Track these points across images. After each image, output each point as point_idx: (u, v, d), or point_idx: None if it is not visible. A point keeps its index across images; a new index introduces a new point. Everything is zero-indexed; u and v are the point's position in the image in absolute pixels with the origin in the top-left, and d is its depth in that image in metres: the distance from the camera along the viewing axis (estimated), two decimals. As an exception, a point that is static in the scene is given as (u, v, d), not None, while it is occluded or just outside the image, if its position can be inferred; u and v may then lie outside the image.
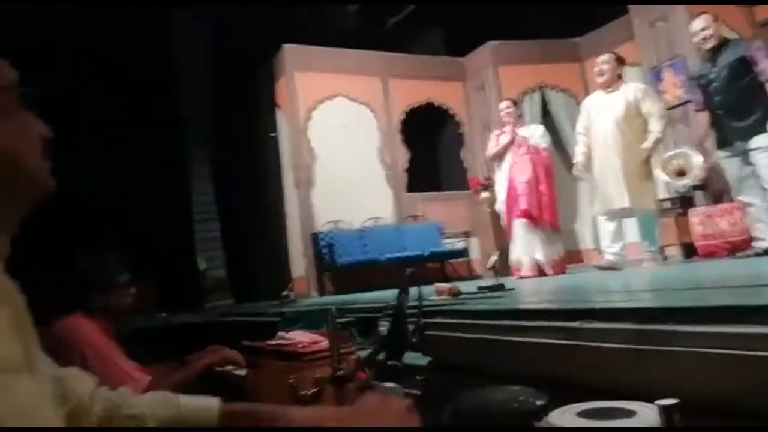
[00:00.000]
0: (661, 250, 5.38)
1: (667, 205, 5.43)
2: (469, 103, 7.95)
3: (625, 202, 4.16)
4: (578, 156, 4.51)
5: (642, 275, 3.58)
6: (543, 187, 4.80)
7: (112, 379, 1.73)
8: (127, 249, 2.19)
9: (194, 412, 0.92)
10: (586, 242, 7.25)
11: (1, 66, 0.62)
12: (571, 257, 7.30)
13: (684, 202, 5.34)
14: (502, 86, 7.46)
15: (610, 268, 4.15)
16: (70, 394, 0.74)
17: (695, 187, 5.27)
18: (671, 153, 5.21)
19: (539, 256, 4.74)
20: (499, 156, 5.02)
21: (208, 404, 0.94)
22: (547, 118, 7.25)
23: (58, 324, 1.81)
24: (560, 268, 4.76)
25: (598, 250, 4.73)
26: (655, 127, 4.15)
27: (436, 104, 7.82)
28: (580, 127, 4.54)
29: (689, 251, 5.07)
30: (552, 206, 4.82)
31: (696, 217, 4.93)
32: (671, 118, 5.24)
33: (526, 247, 4.77)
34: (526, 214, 4.78)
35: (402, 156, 7.50)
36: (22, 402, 0.47)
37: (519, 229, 4.83)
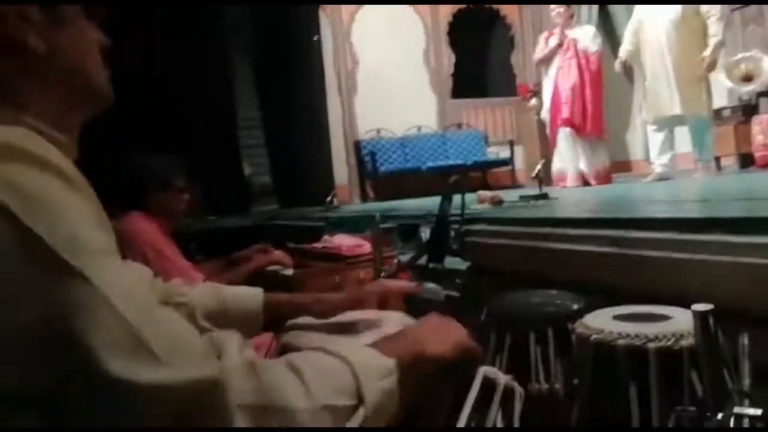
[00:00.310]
0: (717, 159, 5.18)
1: (727, 112, 5.15)
2: (522, 4, 7.49)
3: (676, 109, 3.96)
4: (622, 52, 4.29)
5: (691, 185, 3.48)
6: (589, 94, 4.57)
7: (168, 276, 1.85)
8: (179, 153, 2.25)
9: (239, 302, 0.99)
10: (636, 152, 7.00)
11: None
12: (620, 167, 7.12)
13: (746, 109, 5.03)
14: (559, -17, 6.96)
15: (660, 179, 4.04)
16: None
17: (761, 94, 4.94)
18: (738, 57, 4.85)
19: (583, 166, 4.62)
20: (547, 60, 4.77)
21: (252, 293, 1.01)
22: (606, 19, 6.78)
23: (120, 220, 1.92)
24: (605, 179, 4.64)
25: (649, 161, 4.56)
26: (716, 29, 3.84)
27: (486, 5, 7.41)
28: (630, 25, 4.30)
29: (746, 162, 4.86)
30: (598, 114, 4.62)
31: (759, 125, 4.66)
32: (743, 17, 4.84)
33: (570, 157, 4.65)
34: (568, 122, 4.61)
35: (448, 60, 7.25)
36: (132, 284, 0.51)
37: (562, 137, 4.68)
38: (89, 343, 0.45)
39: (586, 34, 4.63)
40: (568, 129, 4.62)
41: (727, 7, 3.90)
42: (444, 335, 0.74)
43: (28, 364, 0.45)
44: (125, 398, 0.46)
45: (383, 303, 1.17)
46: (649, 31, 4.07)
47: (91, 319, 0.46)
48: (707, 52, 3.83)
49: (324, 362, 0.59)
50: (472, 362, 0.77)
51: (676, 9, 3.90)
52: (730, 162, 5.15)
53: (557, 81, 4.69)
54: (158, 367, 0.47)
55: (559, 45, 4.66)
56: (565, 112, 4.60)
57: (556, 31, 4.73)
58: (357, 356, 0.61)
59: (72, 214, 0.49)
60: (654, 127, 4.17)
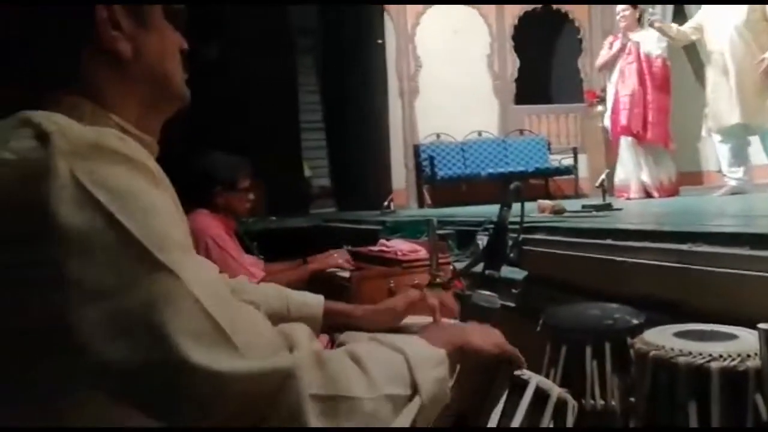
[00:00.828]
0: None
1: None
2: (592, 7, 7.29)
3: (735, 118, 3.72)
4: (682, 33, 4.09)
5: (766, 200, 3.29)
6: (651, 100, 4.32)
7: (231, 272, 1.92)
8: (243, 153, 2.32)
9: (301, 309, 1.02)
10: (709, 163, 6.68)
11: None
12: (692, 179, 6.80)
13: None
14: (631, -15, 6.73)
15: (733, 193, 3.83)
16: None
17: None
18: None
19: (645, 176, 4.39)
20: (610, 65, 4.56)
21: (314, 303, 1.04)
22: (682, 22, 6.50)
23: (187, 217, 2.01)
24: (670, 191, 4.38)
25: (722, 173, 4.31)
26: None
27: (554, 8, 7.25)
28: (688, 24, 4.12)
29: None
30: (661, 122, 4.35)
31: None
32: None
33: (632, 167, 4.44)
34: (626, 131, 4.38)
35: (512, 64, 7.16)
36: (212, 280, 0.55)
37: (624, 146, 4.48)
38: (173, 332, 0.49)
39: (650, 37, 4.37)
40: (629, 138, 4.42)
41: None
42: (484, 335, 0.77)
43: (112, 349, 0.48)
44: (205, 385, 0.49)
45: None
46: (712, 35, 3.88)
47: (176, 310, 0.49)
48: (767, 54, 3.57)
49: (381, 353, 0.62)
50: (514, 364, 0.78)
51: (741, 12, 3.69)
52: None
53: (617, 87, 4.50)
54: (237, 357, 0.51)
55: (622, 49, 4.46)
56: (623, 120, 4.39)
57: (620, 34, 4.57)
58: (410, 347, 0.63)
59: (159, 211, 0.52)
60: (719, 137, 3.95)
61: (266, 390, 0.52)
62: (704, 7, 4.13)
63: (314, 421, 0.52)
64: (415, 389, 0.60)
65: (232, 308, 0.54)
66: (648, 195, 4.38)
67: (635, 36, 4.44)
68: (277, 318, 0.99)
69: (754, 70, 3.65)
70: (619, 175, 4.57)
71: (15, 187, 0.49)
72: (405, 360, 0.61)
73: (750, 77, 3.68)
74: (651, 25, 4.12)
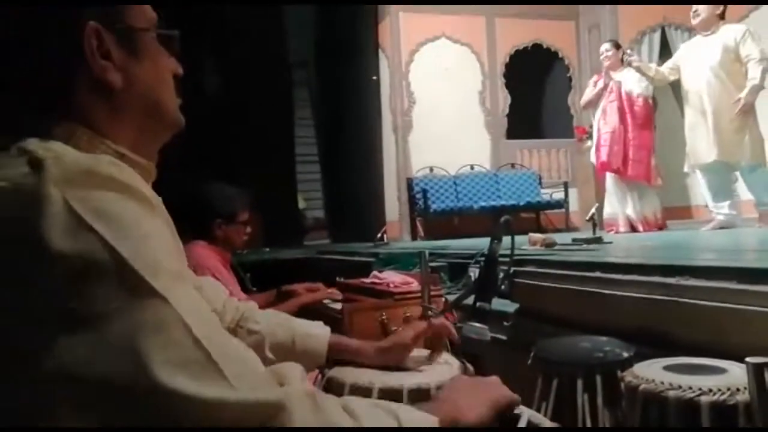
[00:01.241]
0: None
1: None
2: (581, 45, 7.47)
3: (713, 155, 3.81)
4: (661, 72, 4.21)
5: (752, 234, 3.33)
6: (632, 137, 4.41)
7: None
8: (239, 184, 2.33)
9: (306, 341, 1.00)
10: (697, 198, 6.76)
11: (143, 8, 0.69)
12: (680, 213, 6.87)
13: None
14: (619, 25, 6.91)
15: (721, 228, 3.87)
16: (208, 301, 0.78)
17: None
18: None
19: (630, 211, 4.46)
20: (593, 103, 4.69)
21: (320, 334, 1.02)
22: (667, 58, 6.66)
23: (185, 247, 2.00)
24: (655, 225, 4.43)
25: (708, 208, 4.37)
26: (754, 73, 3.69)
27: (544, 46, 7.43)
28: (666, 65, 4.25)
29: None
30: (642, 159, 4.43)
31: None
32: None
33: (617, 202, 4.51)
34: (606, 167, 4.49)
35: (503, 101, 7.28)
36: (203, 309, 0.55)
37: (610, 181, 4.58)
38: (162, 360, 0.48)
39: (631, 76, 4.48)
40: (613, 174, 4.52)
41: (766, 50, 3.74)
42: (479, 397, 0.75)
43: (100, 375, 0.48)
44: (194, 414, 0.49)
45: (428, 340, 1.17)
46: (689, 75, 3.99)
47: (166, 338, 0.49)
48: (742, 94, 3.68)
49: (374, 411, 0.61)
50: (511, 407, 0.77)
51: (716, 54, 3.81)
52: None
53: (599, 124, 4.62)
54: (227, 387, 0.50)
55: (604, 87, 4.57)
56: (603, 156, 4.49)
57: (603, 73, 4.68)
58: (404, 414, 0.63)
59: (153, 239, 0.53)
60: (701, 174, 4.03)
61: (255, 421, 0.51)
62: (681, 47, 4.28)
63: None
64: None
65: (223, 338, 0.54)
66: (634, 229, 4.43)
67: (617, 75, 4.56)
68: (281, 349, 0.97)
69: (730, 109, 3.75)
70: (607, 210, 4.63)
71: (8, 214, 0.49)
72: (397, 422, 0.61)
73: (726, 116, 3.77)
74: (629, 65, 4.23)
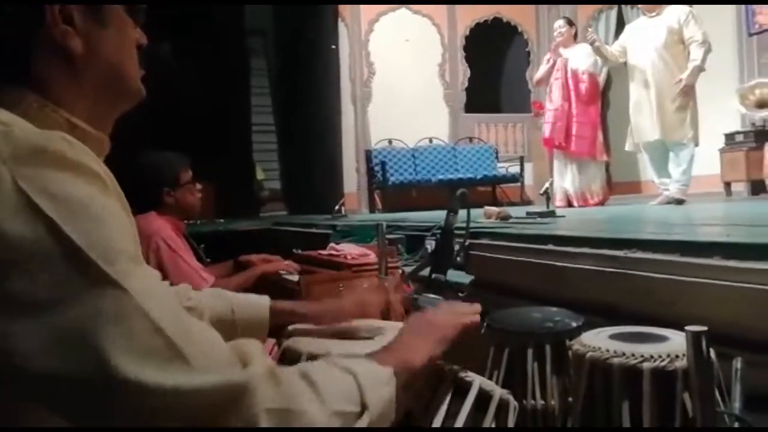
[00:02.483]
0: (727, 185, 5.15)
1: (740, 137, 5.14)
2: (540, 20, 7.53)
3: (656, 134, 3.93)
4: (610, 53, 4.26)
5: (696, 209, 3.48)
6: (576, 114, 4.48)
7: (182, 276, 1.88)
8: (190, 153, 2.27)
9: (246, 310, 1.00)
10: (647, 173, 6.99)
11: None
12: (631, 188, 7.10)
13: (759, 135, 5.02)
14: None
15: (668, 202, 4.02)
16: None
17: (774, 120, 4.93)
18: (753, 82, 4.85)
19: (567, 185, 4.56)
20: (545, 80, 4.73)
21: (259, 303, 1.03)
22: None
23: (136, 219, 1.95)
24: (594, 201, 4.52)
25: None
26: (696, 54, 3.81)
27: (504, 20, 7.45)
28: (616, 45, 4.31)
29: (757, 188, 4.84)
30: (588, 135, 4.50)
31: (771, 151, 4.64)
32: (760, 44, 4.83)
33: (558, 176, 4.61)
34: (548, 143, 4.61)
35: (463, 74, 7.30)
36: (162, 292, 0.53)
37: (555, 156, 4.69)
38: (120, 350, 0.46)
39: (578, 53, 4.53)
40: (556, 149, 4.61)
41: (708, 33, 3.85)
42: (430, 334, 0.79)
43: (54, 366, 0.46)
44: (158, 402, 0.47)
45: (386, 312, 1.18)
46: (635, 53, 4.08)
47: (124, 327, 0.47)
48: (684, 75, 3.81)
49: (332, 373, 0.62)
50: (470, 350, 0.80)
51: (660, 35, 3.91)
52: (740, 188, 5.14)
53: (546, 101, 4.70)
54: (191, 372, 0.49)
55: (552, 65, 4.62)
56: (546, 132, 4.60)
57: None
58: (359, 368, 0.64)
59: (107, 220, 0.50)
60: (644, 151, 4.16)
61: (220, 404, 0.50)
62: (627, 28, 4.36)
63: None
64: (364, 407, 0.60)
65: (183, 322, 0.52)
66: (570, 204, 4.51)
67: (566, 52, 4.60)
68: (222, 321, 0.97)
69: (673, 89, 3.86)
70: (556, 183, 4.70)
71: None
72: (355, 380, 0.61)
73: (669, 96, 3.89)
74: (591, 44, 4.28)
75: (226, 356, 0.54)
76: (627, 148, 4.32)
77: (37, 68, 0.59)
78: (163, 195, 2.07)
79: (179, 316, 0.52)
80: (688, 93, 3.86)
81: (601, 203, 4.55)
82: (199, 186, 2.20)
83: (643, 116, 4.01)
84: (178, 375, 0.48)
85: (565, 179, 4.57)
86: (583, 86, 4.50)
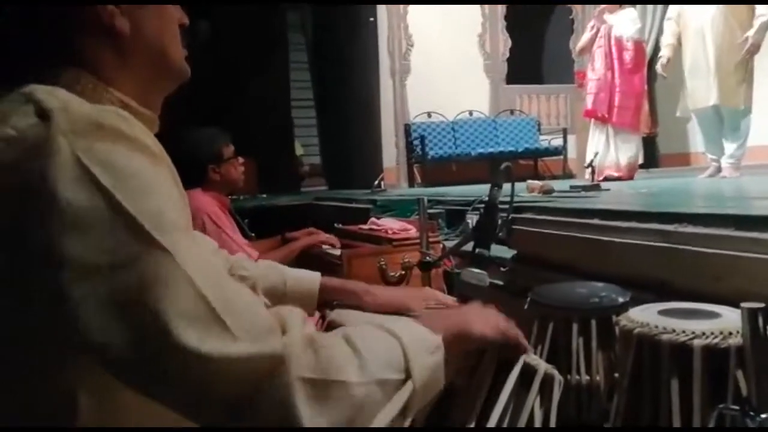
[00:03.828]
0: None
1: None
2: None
3: (712, 99, 3.67)
4: (663, 49, 3.98)
5: (749, 183, 3.33)
6: (619, 83, 4.27)
7: (227, 250, 1.91)
8: (231, 129, 2.30)
9: (298, 283, 1.03)
10: (697, 144, 6.73)
11: None
12: (681, 160, 6.86)
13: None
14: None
15: (716, 175, 3.84)
16: None
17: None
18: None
19: (605, 158, 4.34)
20: (588, 49, 4.51)
21: (311, 277, 1.05)
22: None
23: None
24: (623, 173, 4.32)
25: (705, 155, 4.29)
26: (764, 9, 3.45)
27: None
28: (671, 12, 3.99)
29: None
30: (630, 106, 4.30)
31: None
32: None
33: (592, 147, 4.40)
34: (590, 114, 4.39)
35: (503, 44, 7.12)
36: (208, 261, 0.55)
37: (593, 127, 4.48)
38: (166, 314, 0.49)
39: (623, 19, 4.28)
40: (598, 120, 4.40)
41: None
42: (486, 318, 0.76)
43: (105, 327, 0.48)
44: (197, 368, 0.50)
45: (426, 286, 1.19)
46: (691, 16, 3.79)
47: (170, 292, 0.49)
48: (750, 32, 3.48)
49: (376, 337, 0.61)
50: (515, 349, 0.78)
51: None
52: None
53: (589, 70, 4.49)
54: (229, 340, 0.51)
55: (596, 32, 4.39)
56: (588, 103, 4.39)
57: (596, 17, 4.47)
58: (406, 332, 0.63)
59: (157, 190, 0.52)
60: (697, 120, 3.92)
61: (257, 373, 0.52)
62: None
63: (303, 406, 0.52)
64: (408, 374, 0.59)
65: (227, 290, 0.54)
66: (604, 176, 4.29)
67: (610, 18, 4.36)
68: (273, 293, 0.99)
69: (733, 49, 3.58)
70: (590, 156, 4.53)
71: (16, 164, 0.49)
72: (400, 345, 0.60)
73: (729, 56, 3.61)
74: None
75: (267, 325, 0.55)
76: (678, 113, 4.11)
77: (88, 49, 0.61)
78: (208, 171, 2.11)
79: (223, 286, 0.54)
80: (753, 53, 3.56)
81: (631, 177, 4.37)
82: (241, 160, 2.23)
83: (699, 79, 3.75)
84: (217, 342, 0.50)
85: (600, 150, 4.36)
86: (627, 54, 4.28)
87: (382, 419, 0.57)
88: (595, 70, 4.40)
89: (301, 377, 0.53)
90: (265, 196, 5.46)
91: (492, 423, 0.74)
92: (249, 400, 0.52)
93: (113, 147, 0.51)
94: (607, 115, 4.32)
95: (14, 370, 0.52)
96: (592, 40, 4.44)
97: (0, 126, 0.50)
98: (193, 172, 2.08)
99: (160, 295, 0.49)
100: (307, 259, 2.22)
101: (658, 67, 4.10)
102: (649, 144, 6.30)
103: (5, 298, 0.50)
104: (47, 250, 0.48)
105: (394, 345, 0.60)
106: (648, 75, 4.73)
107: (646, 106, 4.42)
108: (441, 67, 6.77)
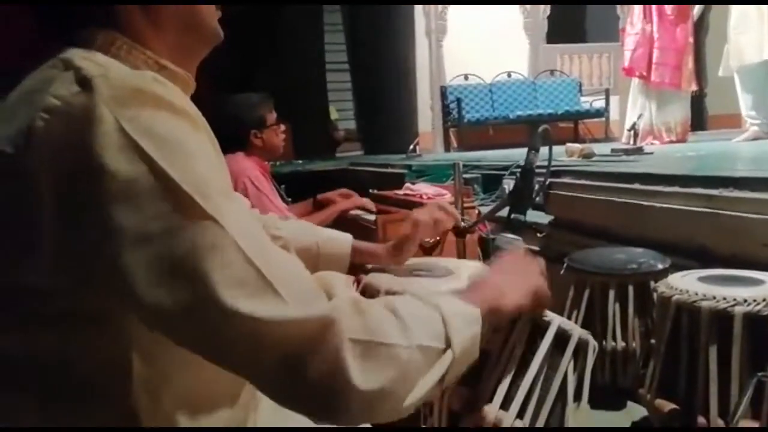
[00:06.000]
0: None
1: None
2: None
3: (762, 54, 3.41)
4: None
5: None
6: (659, 38, 3.99)
7: (266, 214, 1.95)
8: (267, 91, 2.31)
9: (331, 245, 1.04)
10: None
11: None
12: (730, 121, 6.56)
13: None
14: None
15: (755, 139, 3.62)
16: None
17: None
18: None
19: (649, 120, 4.11)
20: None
21: (342, 237, 1.06)
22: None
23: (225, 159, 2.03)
24: (671, 138, 4.09)
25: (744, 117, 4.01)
26: None
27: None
28: None
29: None
30: (672, 62, 4.00)
31: None
32: None
33: (632, 109, 4.19)
34: (629, 72, 4.13)
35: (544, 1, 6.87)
36: (252, 226, 0.56)
37: (633, 87, 4.23)
38: (217, 280, 0.49)
39: None
40: (636, 79, 4.15)
41: None
42: (520, 282, 0.76)
43: (156, 294, 0.49)
44: (250, 332, 0.51)
45: (461, 251, 1.19)
46: None
47: (219, 259, 0.50)
48: None
49: (417, 307, 0.62)
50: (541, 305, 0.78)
51: None
52: None
53: (627, 25, 4.21)
54: (280, 305, 0.52)
55: None
56: (626, 60, 4.12)
57: None
58: (446, 304, 0.64)
59: (200, 157, 0.53)
60: (739, 78, 3.64)
61: (308, 335, 0.53)
62: None
63: (353, 364, 0.53)
64: (448, 344, 0.60)
65: (273, 255, 0.55)
66: (654, 139, 4.09)
67: None
68: (306, 254, 1.00)
69: None
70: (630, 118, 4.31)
71: (60, 134, 0.49)
72: (440, 316, 0.61)
73: None
74: None
75: (312, 288, 0.56)
76: (720, 72, 3.86)
77: (119, 11, 0.61)
78: (251, 136, 2.13)
79: (268, 249, 0.55)
80: None
81: (681, 141, 4.12)
82: (283, 127, 2.25)
83: (748, 34, 3.50)
84: (268, 307, 0.51)
85: (647, 113, 4.14)
86: (671, 9, 3.98)
87: (423, 385, 0.58)
88: (633, 24, 4.14)
89: (350, 338, 0.54)
90: (300, 161, 5.50)
91: (524, 387, 0.75)
92: (301, 359, 0.53)
93: (155, 114, 0.51)
94: (645, 74, 4.08)
95: (72, 339, 0.54)
96: None
97: (41, 94, 0.51)
98: (235, 137, 2.10)
99: (211, 262, 0.50)
100: (342, 222, 2.24)
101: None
102: (697, 104, 6.03)
103: (62, 271, 0.51)
104: (97, 221, 0.49)
105: (435, 315, 0.62)
106: (696, 28, 4.42)
107: (690, 63, 4.13)
108: (478, 26, 6.59)
